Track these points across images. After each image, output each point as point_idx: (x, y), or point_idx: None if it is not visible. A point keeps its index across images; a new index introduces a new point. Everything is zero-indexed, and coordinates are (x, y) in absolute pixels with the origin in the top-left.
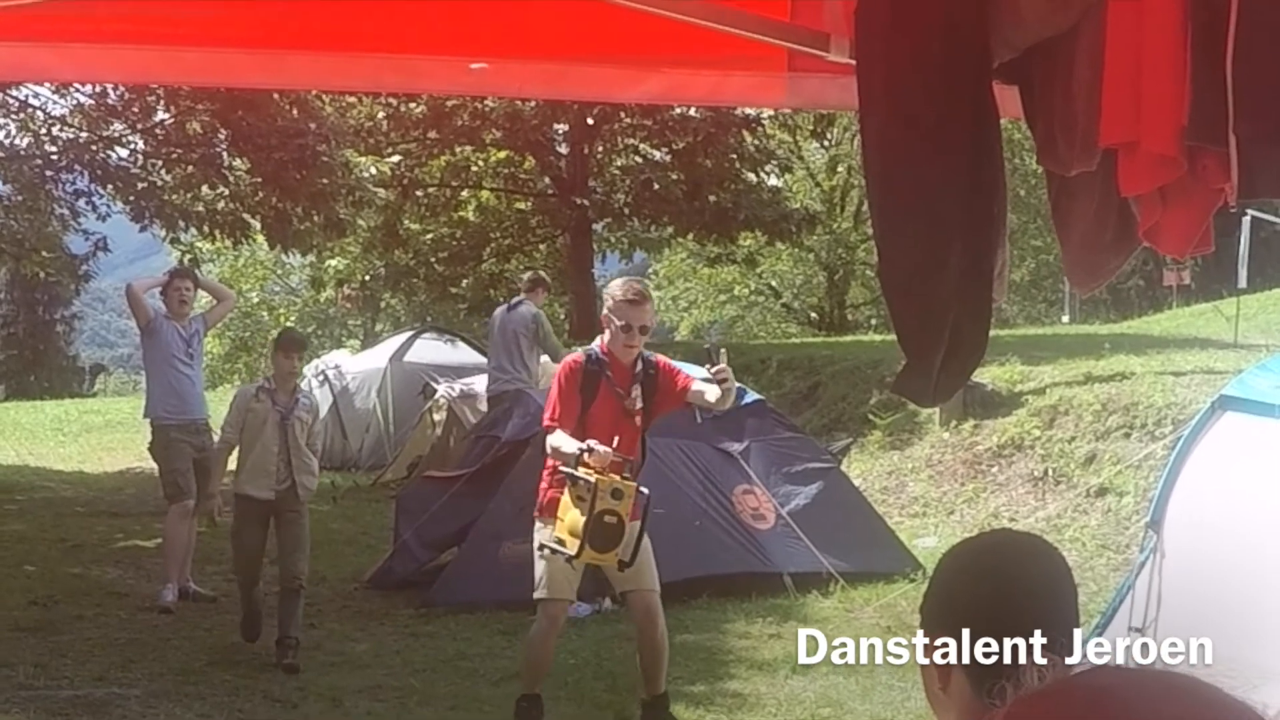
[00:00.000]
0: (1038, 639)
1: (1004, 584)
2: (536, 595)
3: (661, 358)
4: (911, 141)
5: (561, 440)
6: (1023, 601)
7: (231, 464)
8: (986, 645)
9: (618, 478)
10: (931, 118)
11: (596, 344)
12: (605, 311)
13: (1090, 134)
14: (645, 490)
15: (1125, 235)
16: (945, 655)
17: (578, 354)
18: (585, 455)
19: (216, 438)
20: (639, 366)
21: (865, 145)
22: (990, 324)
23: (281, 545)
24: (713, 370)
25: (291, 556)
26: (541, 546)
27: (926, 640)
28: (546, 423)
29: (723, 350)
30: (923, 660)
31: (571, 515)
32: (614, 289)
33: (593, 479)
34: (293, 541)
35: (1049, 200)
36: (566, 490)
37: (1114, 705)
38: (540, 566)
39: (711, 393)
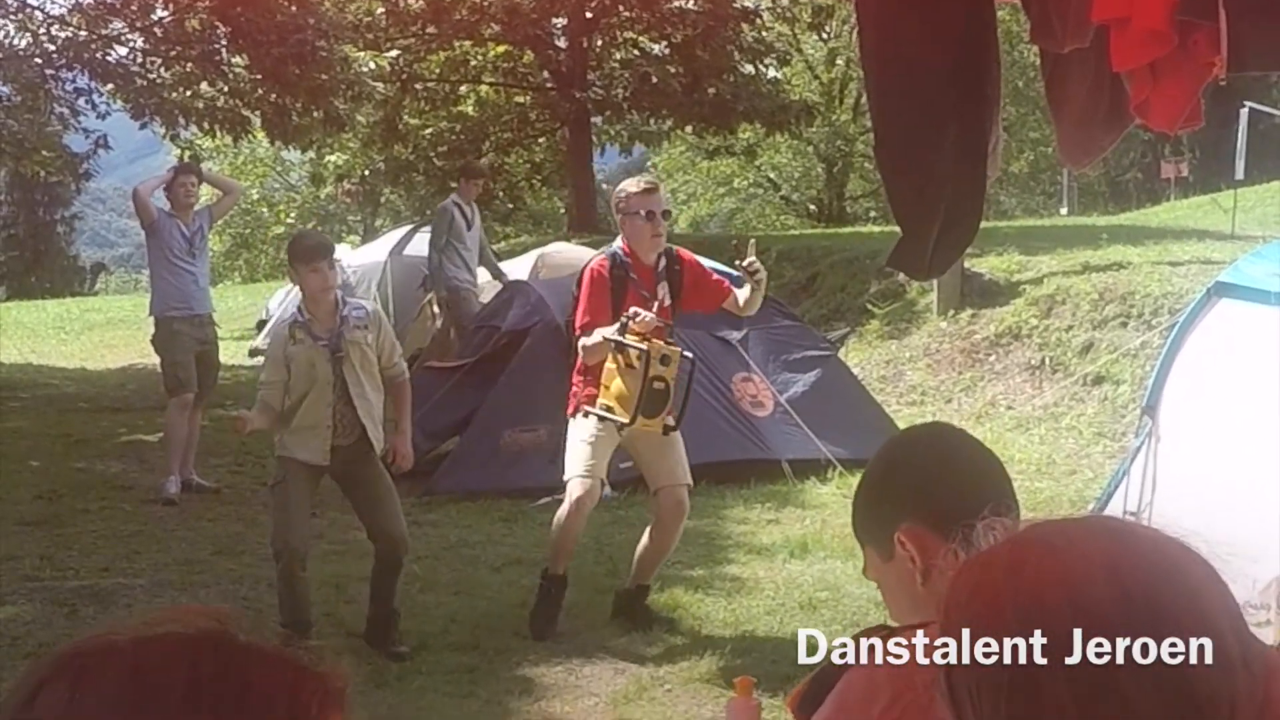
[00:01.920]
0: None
1: (956, 463)
2: (569, 475)
3: (685, 252)
4: (907, 20)
5: (596, 333)
6: (974, 477)
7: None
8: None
9: (662, 343)
10: None
11: (618, 245)
12: (621, 213)
13: (1083, 10)
14: (690, 354)
15: (1118, 111)
16: (916, 537)
17: (602, 256)
18: (631, 321)
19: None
20: (662, 263)
21: (861, 24)
22: (984, 199)
23: (363, 510)
24: (743, 264)
25: (383, 520)
26: (587, 413)
27: (892, 531)
28: (580, 326)
29: (751, 241)
30: (884, 557)
31: (618, 383)
32: (625, 187)
33: (643, 345)
34: (376, 503)
35: (1043, 78)
36: (611, 358)
37: (1038, 548)
38: (574, 447)
39: (741, 295)
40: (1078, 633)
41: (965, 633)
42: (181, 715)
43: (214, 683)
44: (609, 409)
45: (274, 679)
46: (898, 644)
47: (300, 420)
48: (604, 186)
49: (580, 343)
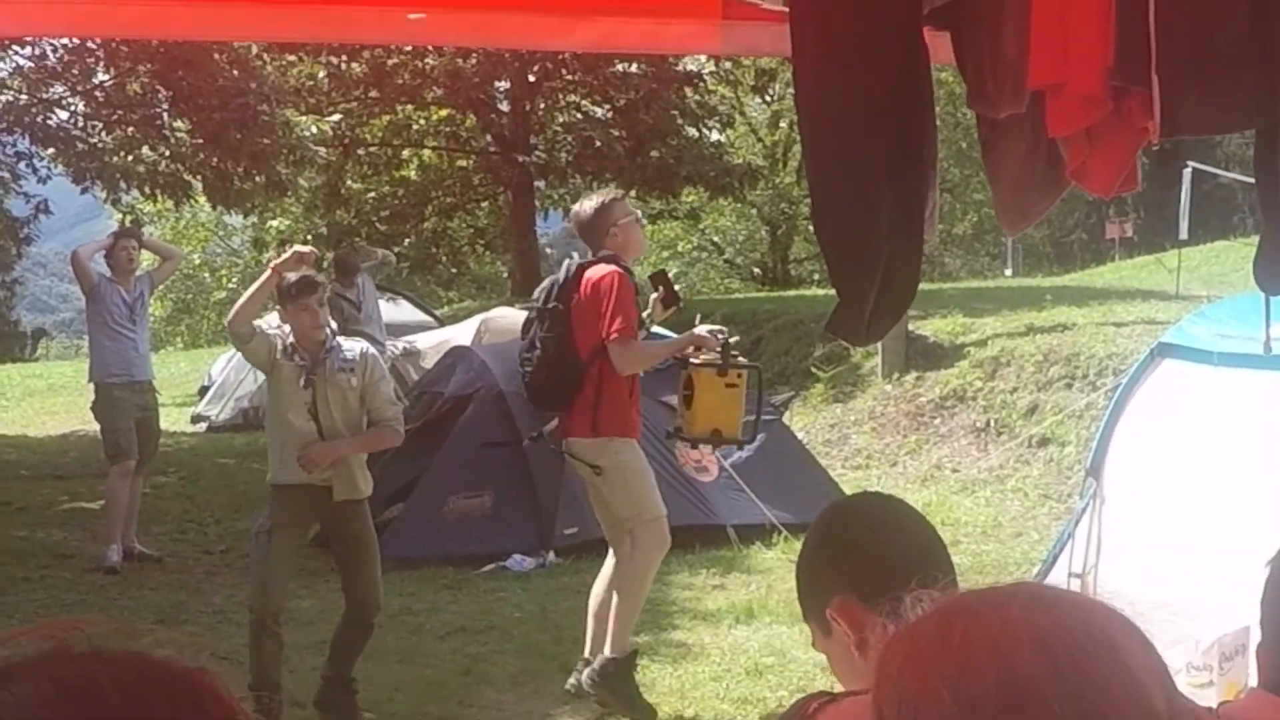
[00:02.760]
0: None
1: (883, 534)
2: (652, 515)
3: None
4: (843, 84)
5: (652, 344)
6: (902, 548)
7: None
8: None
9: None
10: (863, 61)
11: (605, 254)
12: (614, 225)
13: (1019, 76)
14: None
15: (1054, 176)
16: (846, 611)
17: (613, 267)
18: (720, 335)
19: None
20: None
21: (798, 89)
22: (921, 263)
23: (345, 568)
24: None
25: (364, 582)
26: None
27: (825, 607)
28: (618, 332)
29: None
30: (826, 634)
31: (725, 405)
32: (603, 202)
33: (750, 363)
34: (359, 563)
35: (980, 143)
36: (704, 383)
37: (965, 617)
38: (642, 478)
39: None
40: (1008, 702)
41: (897, 705)
42: None
43: None
44: (715, 432)
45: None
46: (838, 710)
47: (289, 441)
48: (548, 251)
49: (632, 348)
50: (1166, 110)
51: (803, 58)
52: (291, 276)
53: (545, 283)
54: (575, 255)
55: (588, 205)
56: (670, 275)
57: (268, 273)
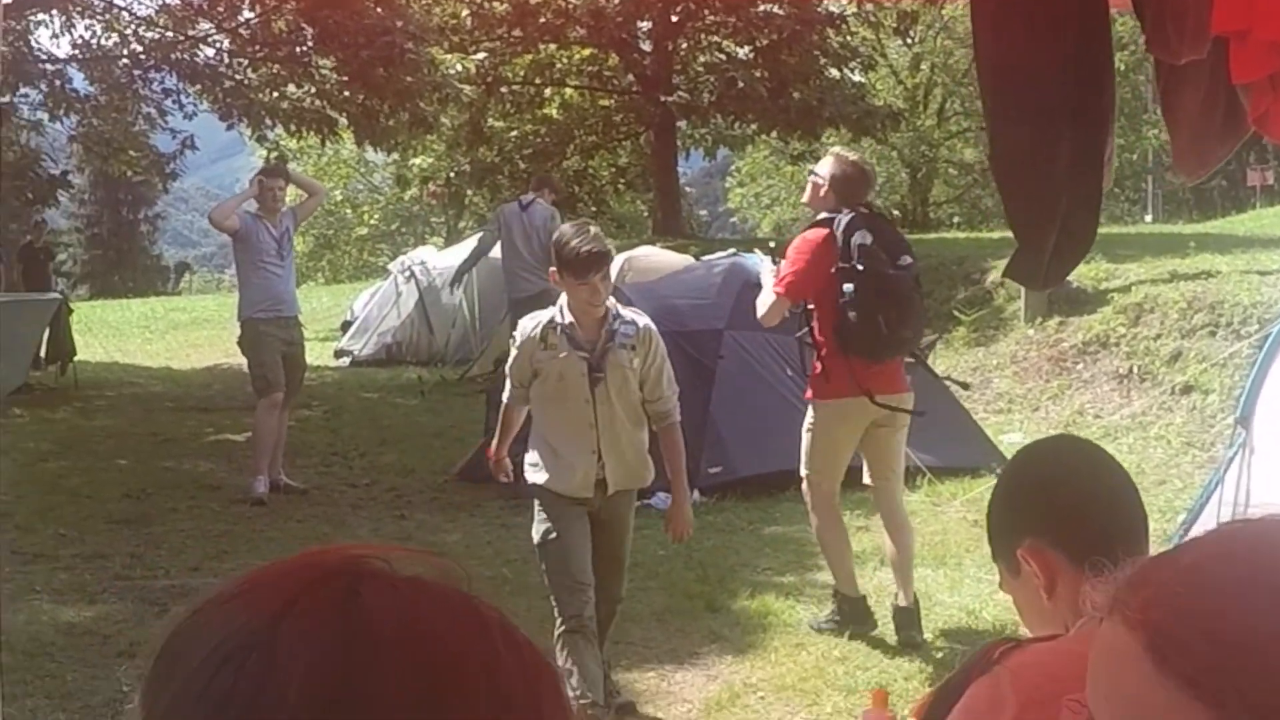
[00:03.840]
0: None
1: (1077, 484)
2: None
3: None
4: (1024, 29)
5: None
6: (1096, 500)
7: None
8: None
9: None
10: (1042, 9)
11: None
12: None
13: (1201, 21)
14: None
15: (1234, 123)
16: (1038, 555)
17: (821, 230)
18: None
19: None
20: None
21: (978, 34)
22: (1099, 209)
23: (599, 555)
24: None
25: (611, 573)
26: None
27: (1016, 547)
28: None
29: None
30: (1014, 574)
31: None
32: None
33: None
34: (612, 554)
35: (1158, 89)
36: None
37: (1246, 547)
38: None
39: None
40: None
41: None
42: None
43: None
44: None
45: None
46: (1024, 656)
47: (555, 447)
48: (688, 190)
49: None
50: None
51: (981, 6)
52: (578, 245)
53: (896, 236)
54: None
55: (866, 163)
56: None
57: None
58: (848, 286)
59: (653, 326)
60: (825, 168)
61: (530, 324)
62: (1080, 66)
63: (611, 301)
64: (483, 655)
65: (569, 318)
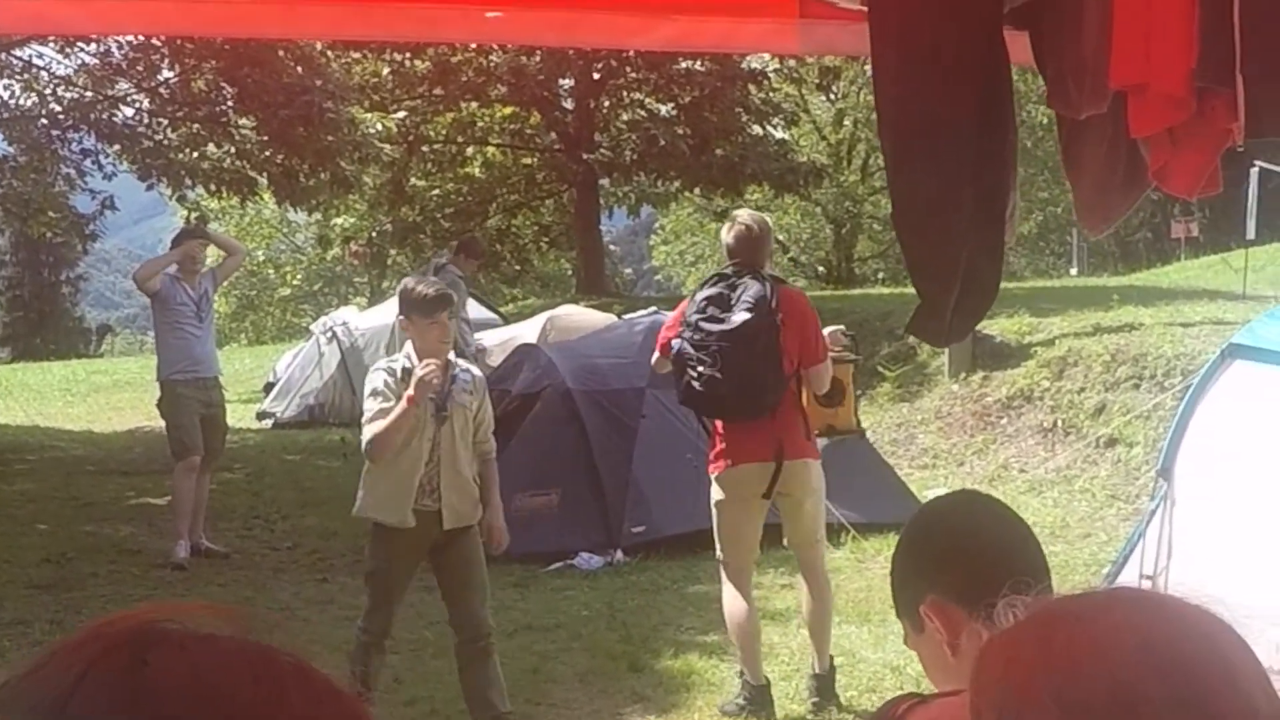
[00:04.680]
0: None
1: (979, 535)
2: (820, 537)
3: None
4: (925, 83)
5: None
6: (997, 549)
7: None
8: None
9: None
10: (944, 62)
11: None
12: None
13: (1100, 76)
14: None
15: (1135, 177)
16: (940, 611)
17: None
18: (844, 332)
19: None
20: None
21: (878, 91)
22: (1003, 263)
23: (448, 591)
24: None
25: (466, 600)
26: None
27: (918, 604)
28: (823, 359)
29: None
30: (918, 631)
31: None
32: (759, 219)
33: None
34: (463, 580)
35: (1060, 144)
36: (848, 377)
37: (1067, 622)
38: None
39: None
40: (1115, 706)
41: (998, 712)
42: None
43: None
44: (859, 423)
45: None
46: (927, 713)
47: (389, 478)
48: (612, 248)
49: (823, 371)
50: (1251, 110)
51: (883, 59)
52: (425, 289)
53: (750, 295)
54: (758, 276)
55: (757, 219)
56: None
57: (404, 405)
58: (675, 343)
59: (483, 377)
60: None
61: (386, 367)
62: (982, 119)
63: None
64: (272, 706)
65: (417, 361)
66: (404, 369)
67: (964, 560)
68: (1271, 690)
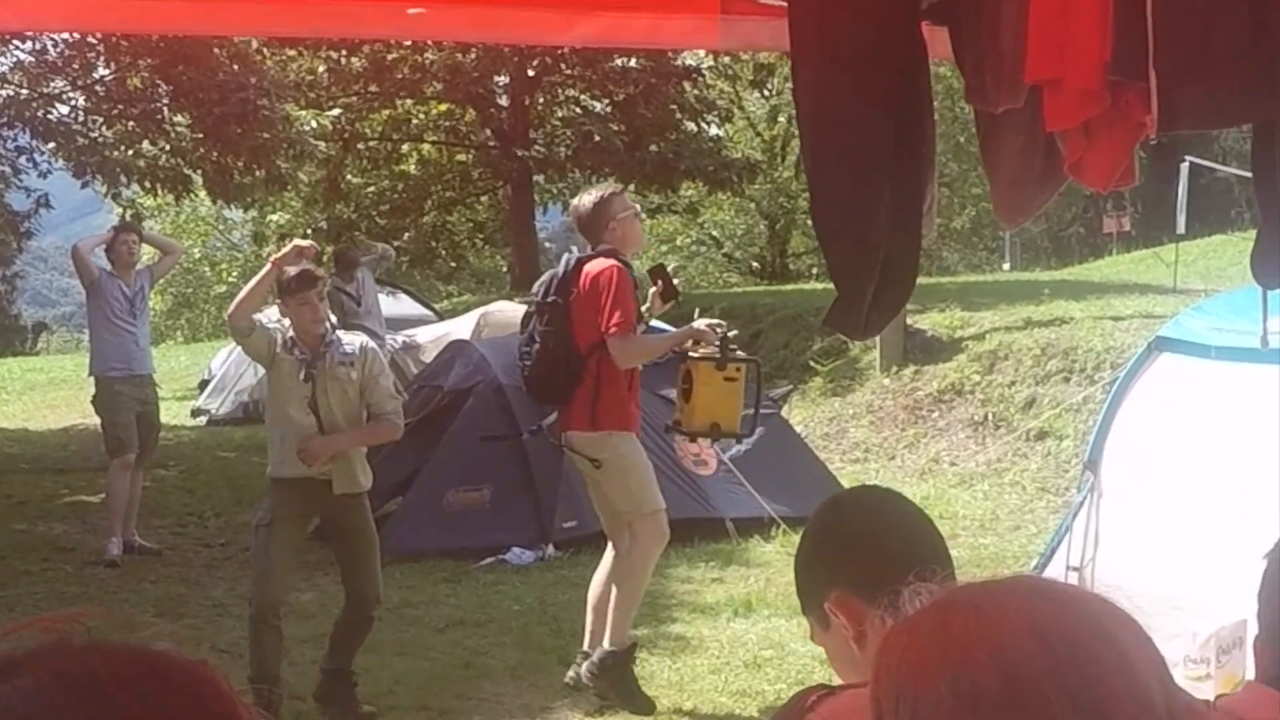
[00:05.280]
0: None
1: (882, 529)
2: (652, 508)
3: None
4: (842, 81)
5: (651, 338)
6: (901, 542)
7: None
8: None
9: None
10: (862, 57)
11: (604, 249)
12: (613, 219)
13: (1016, 71)
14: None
15: (1051, 170)
16: (845, 605)
17: (612, 260)
18: (719, 329)
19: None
20: None
21: (797, 86)
22: (919, 258)
23: (344, 561)
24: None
25: (363, 576)
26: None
27: (823, 600)
28: (618, 326)
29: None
30: (823, 626)
31: (725, 399)
32: (602, 196)
33: (747, 356)
34: (358, 558)
35: (978, 138)
36: (703, 377)
37: (963, 610)
38: (640, 472)
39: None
40: (1007, 696)
41: (895, 698)
42: None
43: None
44: (714, 425)
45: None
46: (837, 703)
47: (288, 435)
48: (547, 245)
49: (630, 344)
50: (1164, 105)
51: (801, 54)
52: (291, 271)
53: (544, 277)
54: (575, 250)
55: (587, 199)
56: (669, 270)
57: (267, 267)
58: None
59: (373, 346)
60: None
61: (277, 329)
62: (899, 113)
63: (330, 327)
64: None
65: (292, 334)
66: (282, 334)
67: (867, 551)
68: (1169, 681)
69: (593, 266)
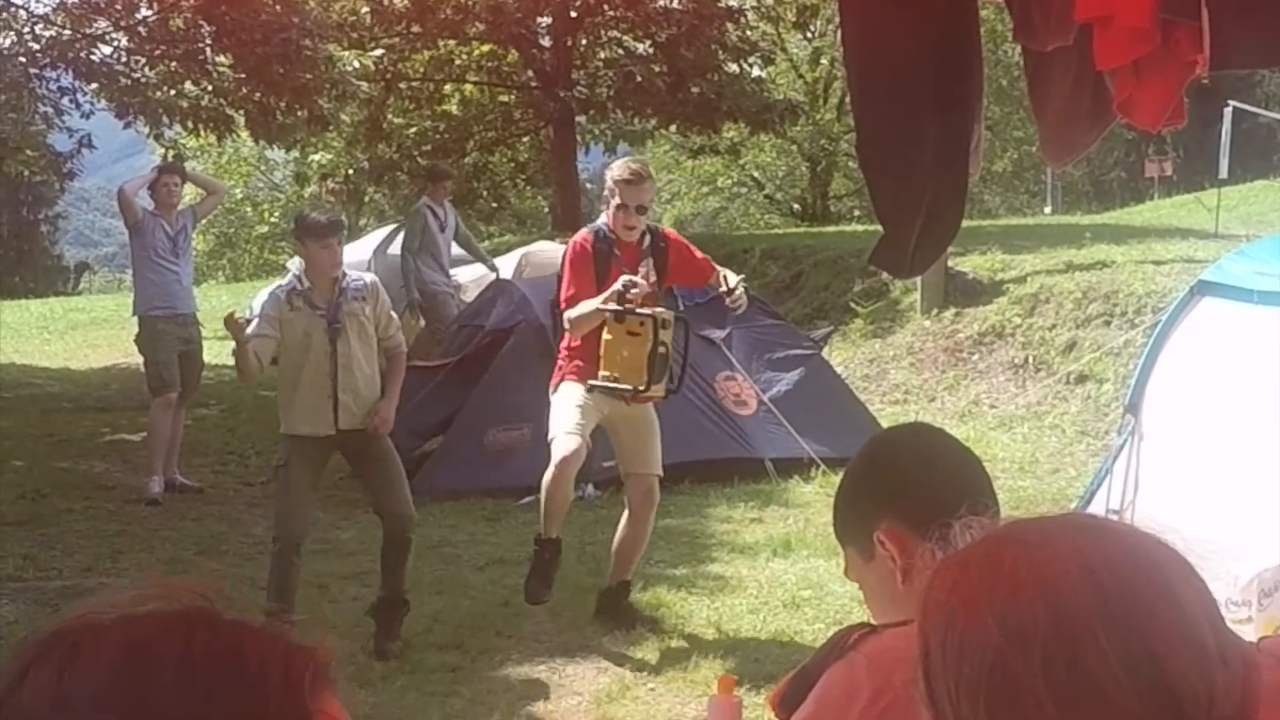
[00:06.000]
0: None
1: (934, 463)
2: (553, 434)
3: (671, 232)
4: (889, 20)
5: (584, 304)
6: (952, 476)
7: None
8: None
9: (661, 309)
10: None
11: (603, 220)
12: (605, 191)
13: (1066, 8)
14: (683, 317)
15: (1100, 109)
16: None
17: (586, 231)
18: (628, 291)
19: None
20: (646, 241)
21: (844, 25)
22: (966, 197)
23: (373, 487)
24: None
25: (393, 498)
26: (591, 387)
27: (872, 530)
28: (565, 300)
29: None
30: (866, 558)
31: (625, 352)
32: (614, 169)
33: (648, 311)
34: (385, 481)
35: (1025, 76)
36: (609, 331)
37: (1014, 546)
38: (560, 410)
39: (732, 278)
40: (1055, 632)
41: (943, 632)
42: (176, 690)
43: (207, 657)
44: (614, 378)
45: (267, 652)
46: (879, 642)
47: (301, 395)
48: (588, 186)
49: (568, 315)
50: (1215, 43)
51: None
52: (318, 216)
53: None
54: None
55: (610, 169)
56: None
57: (238, 350)
58: None
59: (375, 279)
60: None
61: (276, 289)
62: (947, 53)
63: (343, 272)
64: (199, 702)
65: (307, 284)
66: (290, 290)
67: (919, 483)
68: (1219, 619)
69: (575, 237)
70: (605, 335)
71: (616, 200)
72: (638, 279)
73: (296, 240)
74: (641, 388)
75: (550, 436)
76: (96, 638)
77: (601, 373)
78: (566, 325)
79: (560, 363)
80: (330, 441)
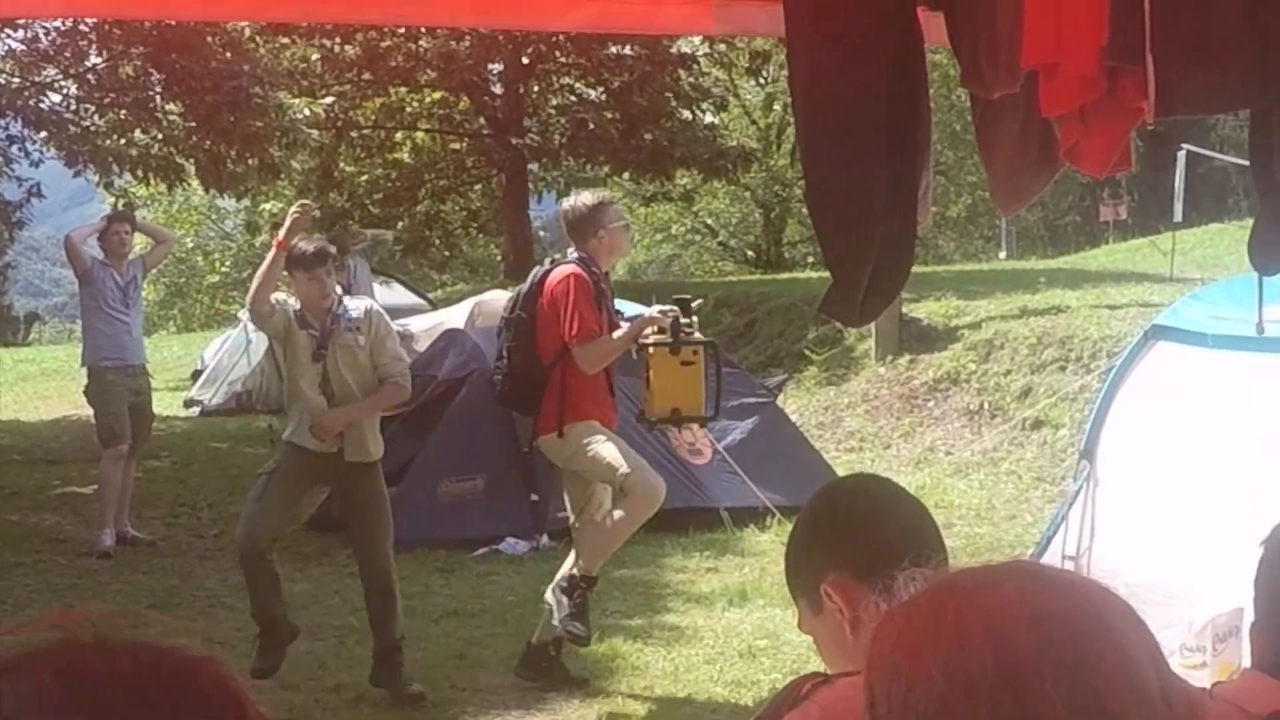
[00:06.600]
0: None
1: (879, 514)
2: (623, 470)
3: None
4: (837, 66)
5: (609, 338)
6: (898, 528)
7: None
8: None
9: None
10: (858, 43)
11: (574, 255)
12: (601, 227)
13: (1013, 56)
14: (716, 342)
15: (1048, 156)
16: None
17: (573, 267)
18: (670, 314)
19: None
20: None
21: (792, 70)
22: (915, 245)
23: (351, 529)
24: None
25: (370, 546)
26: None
27: (819, 583)
28: (573, 339)
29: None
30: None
31: (682, 383)
32: (581, 202)
33: (701, 339)
34: (363, 526)
35: (974, 124)
36: (658, 363)
37: (959, 595)
38: (604, 448)
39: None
40: (1002, 680)
41: (888, 683)
42: None
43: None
44: (676, 410)
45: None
46: (832, 691)
47: (300, 407)
48: (541, 234)
49: (588, 350)
50: (1161, 90)
51: (797, 39)
52: (305, 246)
53: (513, 292)
54: (545, 262)
55: (581, 202)
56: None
57: (274, 250)
58: None
59: (377, 309)
60: None
61: (287, 306)
62: (895, 99)
63: (336, 297)
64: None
65: (299, 305)
66: (295, 310)
67: (865, 535)
68: (1164, 665)
69: (553, 277)
70: (654, 368)
71: (612, 224)
72: (669, 308)
73: (286, 271)
74: (709, 415)
75: (619, 471)
76: None
77: (657, 407)
78: (581, 359)
79: (564, 405)
80: (328, 463)
